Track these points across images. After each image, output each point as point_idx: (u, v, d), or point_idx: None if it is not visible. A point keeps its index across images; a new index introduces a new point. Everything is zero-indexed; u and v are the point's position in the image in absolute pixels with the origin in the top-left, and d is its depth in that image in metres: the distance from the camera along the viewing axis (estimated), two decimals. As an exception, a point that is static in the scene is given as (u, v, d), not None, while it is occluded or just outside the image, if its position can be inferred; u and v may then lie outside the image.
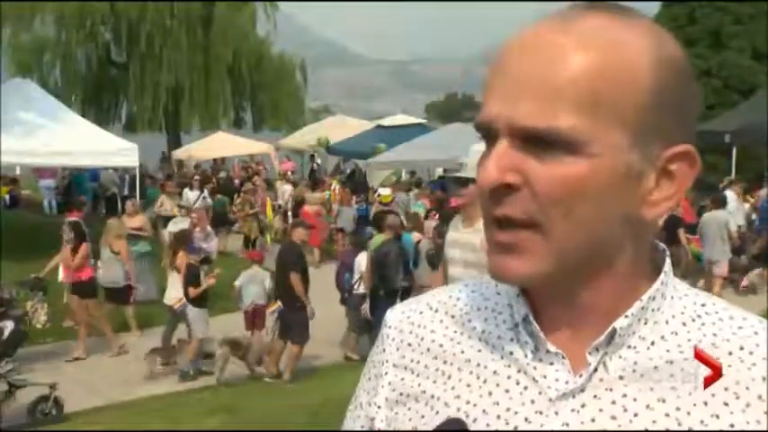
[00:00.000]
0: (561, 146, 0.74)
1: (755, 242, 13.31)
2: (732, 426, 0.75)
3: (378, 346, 0.95)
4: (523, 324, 0.83)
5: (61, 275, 10.24)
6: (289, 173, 23.00)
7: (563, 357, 0.80)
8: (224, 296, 10.38)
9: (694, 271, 12.15)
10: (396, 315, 0.94)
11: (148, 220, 13.32)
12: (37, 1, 25.55)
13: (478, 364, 0.85)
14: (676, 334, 0.80)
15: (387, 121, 24.61)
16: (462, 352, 0.87)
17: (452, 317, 0.90)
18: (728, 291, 11.69)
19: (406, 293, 8.62)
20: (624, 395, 0.78)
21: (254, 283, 9.48)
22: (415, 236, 10.58)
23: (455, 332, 0.89)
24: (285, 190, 19.38)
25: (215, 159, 26.16)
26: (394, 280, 9.03)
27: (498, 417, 0.81)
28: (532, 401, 0.80)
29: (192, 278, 9.21)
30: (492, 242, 0.79)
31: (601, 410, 0.78)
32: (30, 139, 14.48)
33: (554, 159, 0.75)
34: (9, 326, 7.76)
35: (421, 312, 0.93)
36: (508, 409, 0.81)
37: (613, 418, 0.77)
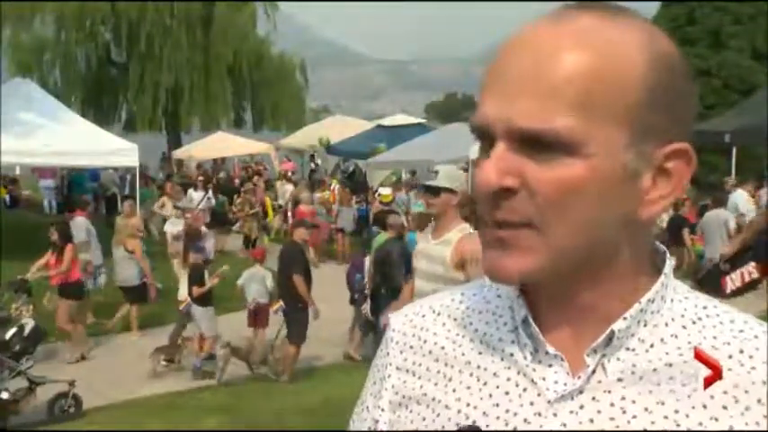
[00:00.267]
0: (558, 147, 0.74)
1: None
2: (731, 428, 0.75)
3: (382, 350, 0.96)
4: (523, 326, 0.83)
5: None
6: (289, 173, 23.02)
7: (562, 359, 0.80)
8: (226, 296, 10.39)
9: (698, 271, 12.14)
10: (399, 319, 0.95)
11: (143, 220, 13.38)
12: (37, 1, 25.55)
13: (479, 367, 0.85)
14: (676, 336, 0.80)
15: (387, 121, 24.59)
16: (463, 354, 0.87)
17: (454, 320, 0.91)
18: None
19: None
20: (623, 397, 0.78)
21: (256, 281, 9.55)
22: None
23: (457, 335, 0.89)
24: (286, 190, 19.39)
25: (215, 159, 26.16)
26: (396, 279, 9.01)
27: (498, 418, 0.81)
28: (531, 403, 0.80)
29: (196, 277, 9.29)
30: (488, 240, 0.79)
31: (599, 412, 0.78)
32: (30, 139, 14.48)
33: (551, 160, 0.75)
34: (30, 323, 7.97)
35: (424, 316, 0.93)
36: (507, 411, 0.81)
37: (611, 419, 0.77)
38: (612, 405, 0.78)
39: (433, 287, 4.24)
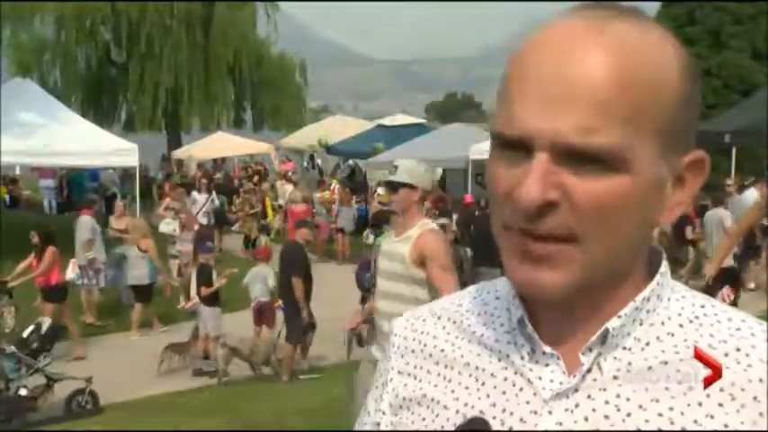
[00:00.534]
0: (602, 160, 0.73)
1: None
2: (726, 426, 0.75)
3: (385, 355, 0.97)
4: (519, 327, 0.84)
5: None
6: (289, 173, 23.01)
7: (558, 358, 0.81)
8: (231, 297, 10.41)
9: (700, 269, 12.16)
10: (401, 323, 0.97)
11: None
12: (37, 1, 25.55)
13: (477, 368, 0.86)
14: (673, 335, 0.80)
15: (387, 121, 24.60)
16: (462, 356, 0.88)
17: (454, 322, 0.92)
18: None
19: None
20: (618, 395, 0.78)
21: (258, 280, 9.64)
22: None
23: (456, 337, 0.90)
24: (286, 190, 19.38)
25: (215, 159, 26.15)
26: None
27: (494, 417, 0.82)
28: (527, 402, 0.81)
29: (204, 278, 9.33)
30: (522, 253, 0.78)
31: (594, 410, 0.78)
32: (30, 139, 14.49)
33: (593, 174, 0.74)
34: (46, 321, 8.12)
35: (424, 320, 0.95)
36: (504, 410, 0.82)
37: (606, 417, 0.77)
38: (607, 403, 0.78)
39: (395, 286, 4.09)
